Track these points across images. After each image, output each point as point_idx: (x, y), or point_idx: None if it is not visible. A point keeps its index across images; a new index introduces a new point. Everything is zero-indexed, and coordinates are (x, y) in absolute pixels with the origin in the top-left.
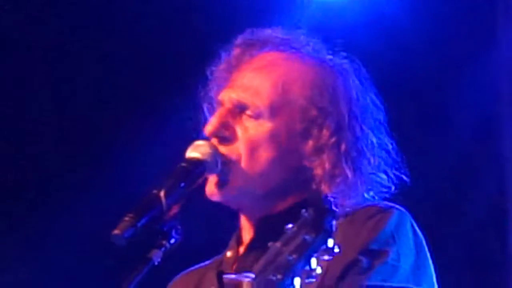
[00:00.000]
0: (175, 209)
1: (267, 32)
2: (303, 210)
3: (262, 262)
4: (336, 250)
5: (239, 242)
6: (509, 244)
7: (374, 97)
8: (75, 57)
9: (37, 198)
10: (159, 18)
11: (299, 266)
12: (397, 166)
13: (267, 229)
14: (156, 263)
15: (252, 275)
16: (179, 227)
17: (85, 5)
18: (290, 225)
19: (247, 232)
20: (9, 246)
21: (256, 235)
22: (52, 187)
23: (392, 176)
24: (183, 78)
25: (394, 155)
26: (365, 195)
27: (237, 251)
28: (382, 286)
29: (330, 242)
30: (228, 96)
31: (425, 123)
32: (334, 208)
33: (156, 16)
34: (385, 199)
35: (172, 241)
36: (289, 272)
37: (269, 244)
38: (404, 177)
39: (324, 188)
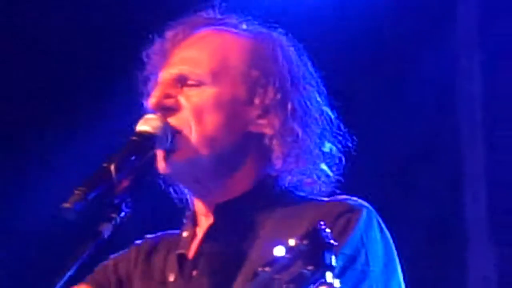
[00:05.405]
0: (125, 183)
1: (201, 14)
2: (298, 240)
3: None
4: (337, 285)
5: (195, 223)
6: (465, 215)
7: (312, 69)
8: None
9: None
10: None
11: None
12: (341, 135)
13: (228, 216)
14: (106, 237)
15: None
16: (129, 200)
17: None
18: (279, 251)
19: (203, 216)
20: None
21: (216, 222)
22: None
23: (338, 146)
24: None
25: (337, 125)
26: (323, 167)
27: (194, 232)
28: None
29: (329, 277)
30: (168, 73)
31: (383, 97)
32: (332, 242)
33: None
34: (340, 175)
35: (122, 214)
36: None
37: (259, 270)
38: (350, 147)
39: (276, 148)
